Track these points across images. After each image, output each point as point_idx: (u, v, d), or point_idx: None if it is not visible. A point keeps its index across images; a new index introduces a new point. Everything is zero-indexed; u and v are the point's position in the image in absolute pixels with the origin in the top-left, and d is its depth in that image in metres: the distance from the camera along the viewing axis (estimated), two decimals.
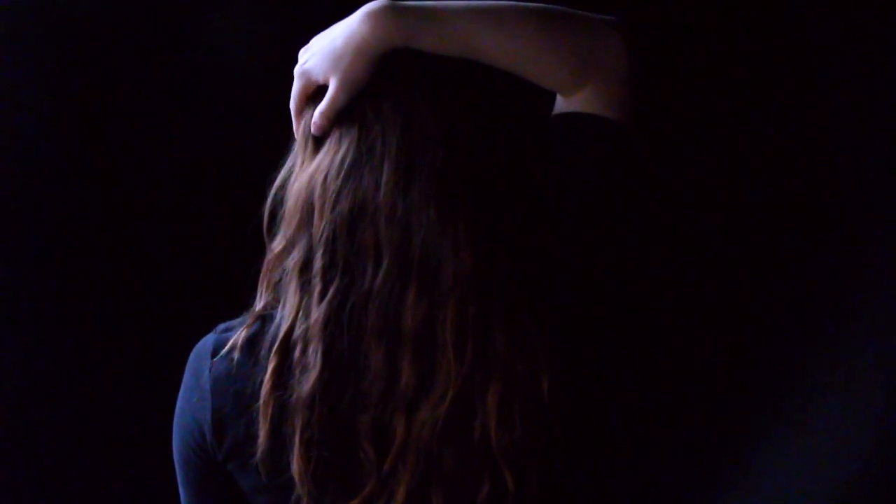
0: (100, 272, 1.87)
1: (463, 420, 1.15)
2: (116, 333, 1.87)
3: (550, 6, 1.24)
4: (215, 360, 1.22)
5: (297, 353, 1.17)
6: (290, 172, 1.25)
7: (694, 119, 1.85)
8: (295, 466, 1.16)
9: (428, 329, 1.14)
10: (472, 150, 1.18)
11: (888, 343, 1.80)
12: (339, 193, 1.17)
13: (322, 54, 1.21)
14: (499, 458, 1.15)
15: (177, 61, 1.86)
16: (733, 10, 1.83)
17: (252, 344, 1.21)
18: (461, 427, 1.15)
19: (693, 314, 1.87)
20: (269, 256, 1.23)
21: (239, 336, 1.21)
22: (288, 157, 1.27)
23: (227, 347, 1.21)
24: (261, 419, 1.17)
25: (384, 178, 1.15)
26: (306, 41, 1.27)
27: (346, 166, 1.17)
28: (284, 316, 1.19)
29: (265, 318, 1.22)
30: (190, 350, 1.26)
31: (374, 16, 1.18)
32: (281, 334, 1.18)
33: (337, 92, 1.19)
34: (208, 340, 1.25)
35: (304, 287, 1.18)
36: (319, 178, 1.19)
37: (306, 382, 1.16)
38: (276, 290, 1.23)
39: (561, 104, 1.26)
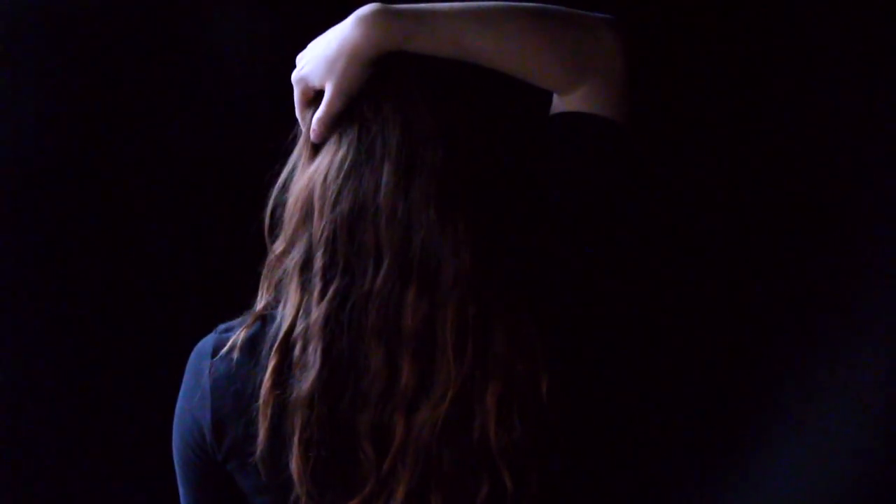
0: (100, 272, 1.87)
1: (462, 420, 1.15)
2: (117, 334, 1.87)
3: (544, 5, 1.24)
4: (215, 360, 1.22)
5: (296, 352, 1.17)
6: (292, 173, 1.25)
7: (692, 118, 1.85)
8: (294, 466, 1.16)
9: (428, 329, 1.14)
10: (471, 150, 1.18)
11: (888, 343, 1.80)
12: (338, 193, 1.17)
13: (316, 60, 1.21)
14: (498, 459, 1.15)
15: (177, 61, 1.86)
16: (731, 8, 1.83)
17: (252, 344, 1.21)
18: (460, 427, 1.15)
19: (693, 314, 1.87)
20: (271, 257, 1.24)
21: (239, 336, 1.21)
22: (289, 157, 1.28)
23: (226, 347, 1.21)
24: (260, 418, 1.17)
25: (384, 179, 1.15)
26: (305, 42, 1.27)
27: (345, 166, 1.18)
28: (285, 315, 1.19)
29: (265, 319, 1.22)
30: (190, 350, 1.27)
31: (366, 20, 1.18)
32: (281, 333, 1.18)
33: (333, 97, 1.20)
34: (208, 341, 1.25)
35: (305, 286, 1.18)
36: (319, 179, 1.19)
37: (306, 381, 1.16)
38: (277, 290, 1.23)
39: (558, 104, 1.26)
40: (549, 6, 1.24)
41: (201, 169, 1.87)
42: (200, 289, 1.84)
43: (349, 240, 1.16)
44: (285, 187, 1.25)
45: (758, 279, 1.85)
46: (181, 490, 1.30)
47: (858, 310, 1.81)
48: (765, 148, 1.83)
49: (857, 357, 1.81)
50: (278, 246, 1.22)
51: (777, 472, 1.83)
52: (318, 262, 1.17)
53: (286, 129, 1.29)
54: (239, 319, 1.25)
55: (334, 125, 1.21)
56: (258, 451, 1.18)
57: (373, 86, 1.19)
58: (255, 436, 1.18)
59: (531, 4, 1.23)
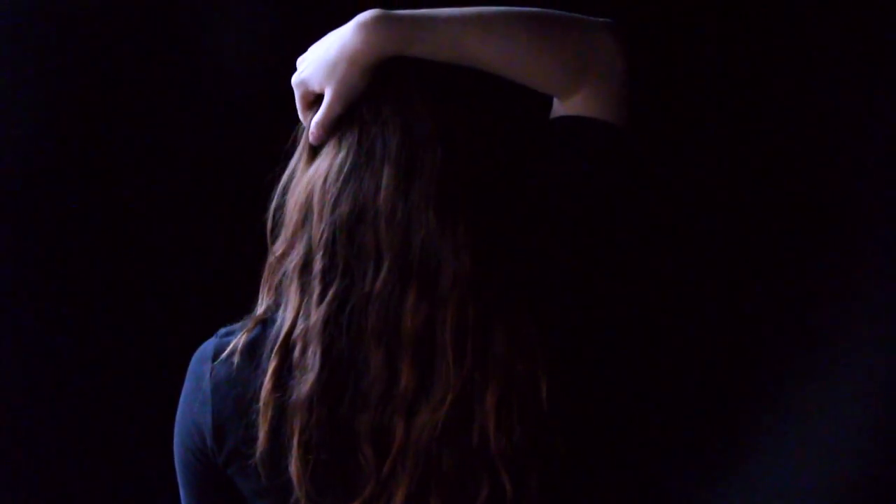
0: (100, 274, 1.87)
1: (462, 423, 1.15)
2: (117, 337, 1.87)
3: (543, 10, 1.24)
4: (216, 364, 1.22)
5: (296, 354, 1.17)
6: (292, 176, 1.25)
7: (691, 120, 1.85)
8: (293, 468, 1.16)
9: (427, 331, 1.14)
10: (471, 153, 1.18)
11: (888, 343, 1.80)
12: (338, 196, 1.17)
13: (316, 64, 1.22)
14: (497, 461, 1.15)
15: (177, 61, 1.86)
16: (730, 11, 1.83)
17: (253, 347, 1.21)
18: (460, 430, 1.15)
19: (693, 315, 1.87)
20: (271, 259, 1.24)
21: (239, 340, 1.21)
22: (290, 160, 1.28)
23: (227, 351, 1.21)
24: (260, 420, 1.17)
25: (384, 181, 1.15)
26: (306, 42, 1.27)
27: (345, 169, 1.18)
28: (285, 318, 1.19)
29: (266, 322, 1.22)
30: (191, 354, 1.27)
31: (366, 26, 1.18)
32: (281, 336, 1.18)
33: (332, 102, 1.20)
34: (209, 345, 1.25)
35: (304, 288, 1.19)
36: (318, 182, 1.19)
37: (305, 384, 1.16)
38: (278, 292, 1.23)
39: (558, 107, 1.26)
40: (548, 10, 1.24)
41: (201, 170, 1.87)
42: (201, 292, 1.84)
43: (349, 242, 1.16)
44: (286, 189, 1.25)
45: (758, 280, 1.85)
46: (182, 493, 1.30)
47: (858, 310, 1.81)
48: (764, 150, 1.83)
49: (857, 357, 1.81)
50: (278, 248, 1.22)
51: (777, 474, 1.83)
52: (318, 265, 1.17)
53: (286, 131, 1.29)
54: (240, 323, 1.25)
55: (334, 128, 1.21)
56: (258, 453, 1.18)
57: (372, 89, 1.20)
58: (255, 438, 1.18)
59: (530, 9, 1.23)
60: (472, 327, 1.15)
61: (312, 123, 1.22)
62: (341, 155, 1.19)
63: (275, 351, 1.18)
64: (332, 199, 1.17)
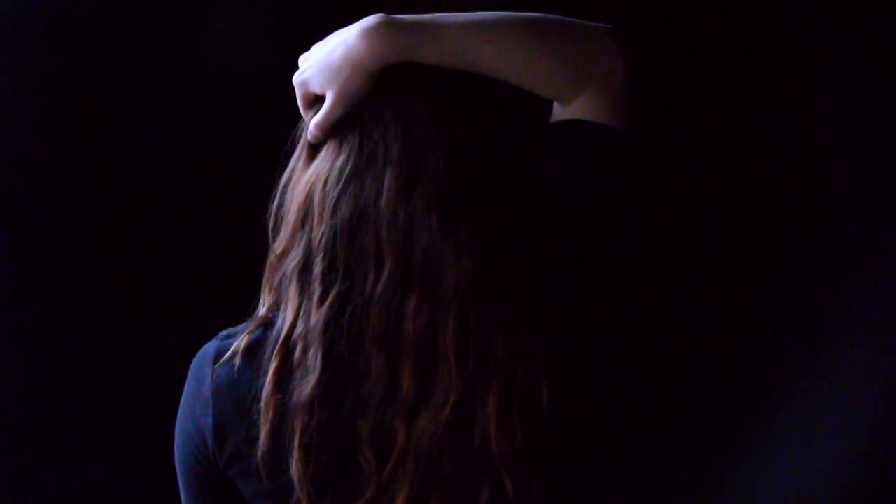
0: (100, 274, 1.86)
1: (463, 426, 1.15)
2: (117, 339, 1.87)
3: (545, 15, 1.24)
4: (217, 366, 1.22)
5: (297, 356, 1.17)
6: (292, 174, 1.25)
7: (691, 123, 1.85)
8: (294, 469, 1.16)
9: (429, 335, 1.14)
10: (473, 157, 1.18)
11: (888, 343, 1.80)
12: (338, 199, 1.17)
13: (318, 66, 1.21)
14: (499, 464, 1.15)
15: (177, 61, 1.86)
16: (730, 15, 1.83)
17: (254, 349, 1.21)
18: (462, 433, 1.15)
19: (693, 317, 1.87)
20: (272, 257, 1.24)
21: (241, 342, 1.21)
22: (290, 159, 1.28)
23: (228, 353, 1.21)
24: (262, 420, 1.17)
25: (386, 185, 1.15)
26: (305, 42, 1.27)
27: (346, 172, 1.18)
28: (285, 318, 1.19)
29: (267, 324, 1.22)
30: (191, 356, 1.27)
31: (371, 33, 1.18)
32: (282, 337, 1.18)
33: (333, 105, 1.20)
34: (210, 347, 1.25)
35: (304, 290, 1.18)
36: (319, 184, 1.19)
37: (306, 386, 1.16)
38: (278, 292, 1.23)
39: (558, 111, 1.26)
40: (550, 16, 1.24)
41: (201, 170, 1.86)
42: (201, 293, 1.84)
43: (349, 245, 1.16)
44: (286, 187, 1.25)
45: (758, 281, 1.85)
46: (182, 495, 1.29)
47: (858, 310, 1.81)
48: (765, 153, 1.83)
49: (857, 357, 1.81)
50: (278, 246, 1.22)
51: (777, 474, 1.83)
52: (318, 267, 1.17)
53: (286, 131, 1.29)
54: (241, 326, 1.25)
55: (334, 130, 1.21)
56: (259, 454, 1.17)
57: (374, 93, 1.19)
58: (256, 439, 1.18)
59: (533, 15, 1.23)
60: (473, 330, 1.15)
61: (312, 124, 1.22)
62: (342, 157, 1.19)
63: (275, 352, 1.18)
64: (333, 202, 1.17)
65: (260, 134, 1.54)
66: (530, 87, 1.24)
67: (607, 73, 1.24)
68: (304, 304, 1.18)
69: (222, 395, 1.21)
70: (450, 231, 1.14)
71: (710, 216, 1.86)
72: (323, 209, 1.17)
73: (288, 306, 1.20)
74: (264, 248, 1.26)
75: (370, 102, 1.19)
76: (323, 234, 1.17)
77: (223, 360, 1.21)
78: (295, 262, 1.19)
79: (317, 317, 1.16)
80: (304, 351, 1.17)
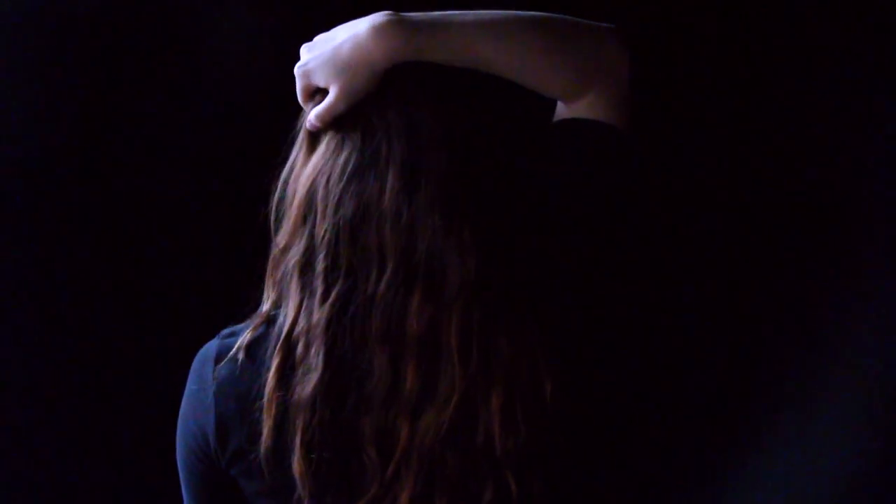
0: (101, 274, 1.86)
1: (466, 424, 1.15)
2: (118, 338, 1.87)
3: (552, 15, 1.24)
4: (219, 365, 1.22)
5: (299, 353, 1.17)
6: (293, 167, 1.25)
7: (695, 123, 1.85)
8: (296, 467, 1.16)
9: (432, 333, 1.14)
10: (476, 156, 1.18)
11: (888, 343, 1.80)
12: (341, 196, 1.17)
13: (325, 59, 1.21)
14: (502, 462, 1.15)
15: (177, 61, 1.86)
16: (734, 16, 1.83)
17: (256, 346, 1.21)
18: (465, 431, 1.15)
19: (695, 317, 1.88)
20: (274, 252, 1.24)
21: (244, 339, 1.21)
22: (290, 153, 1.27)
23: (231, 351, 1.21)
24: (264, 416, 1.17)
25: (389, 184, 1.15)
26: (306, 40, 1.27)
27: (349, 170, 1.18)
28: (286, 315, 1.19)
29: (269, 321, 1.22)
30: (192, 355, 1.26)
31: (382, 31, 1.17)
32: (283, 333, 1.18)
33: (337, 100, 1.20)
34: (211, 346, 1.25)
35: (306, 287, 1.18)
36: (322, 180, 1.19)
37: (308, 384, 1.16)
38: (280, 287, 1.23)
39: (562, 110, 1.26)
40: (557, 16, 1.24)
41: (201, 169, 1.86)
42: (202, 292, 1.84)
43: (352, 243, 1.16)
44: (286, 182, 1.25)
45: (759, 281, 1.85)
46: (185, 495, 1.30)
47: (858, 310, 1.82)
48: (768, 154, 1.83)
49: (857, 357, 1.81)
50: (280, 241, 1.22)
51: (777, 474, 1.83)
52: (320, 265, 1.17)
53: (286, 131, 1.29)
54: (244, 324, 1.25)
55: (334, 123, 1.21)
56: (262, 450, 1.17)
57: (377, 90, 1.19)
58: (258, 435, 1.18)
59: (539, 14, 1.23)
60: (476, 329, 1.15)
61: (313, 114, 1.21)
62: (344, 154, 1.19)
63: (277, 348, 1.18)
64: (336, 200, 1.17)
65: (260, 133, 1.54)
66: (536, 86, 1.24)
67: (612, 74, 1.24)
68: (305, 301, 1.18)
69: (224, 394, 1.21)
70: (453, 230, 1.14)
71: (711, 216, 1.86)
72: (326, 206, 1.17)
73: (289, 303, 1.20)
74: (265, 248, 1.26)
75: (373, 99, 1.19)
76: (325, 231, 1.17)
77: (225, 358, 1.21)
78: (296, 258, 1.19)
79: (319, 314, 1.16)
80: (306, 348, 1.17)
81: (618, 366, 1.82)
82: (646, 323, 1.86)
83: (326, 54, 1.21)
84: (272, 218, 1.25)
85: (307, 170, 1.21)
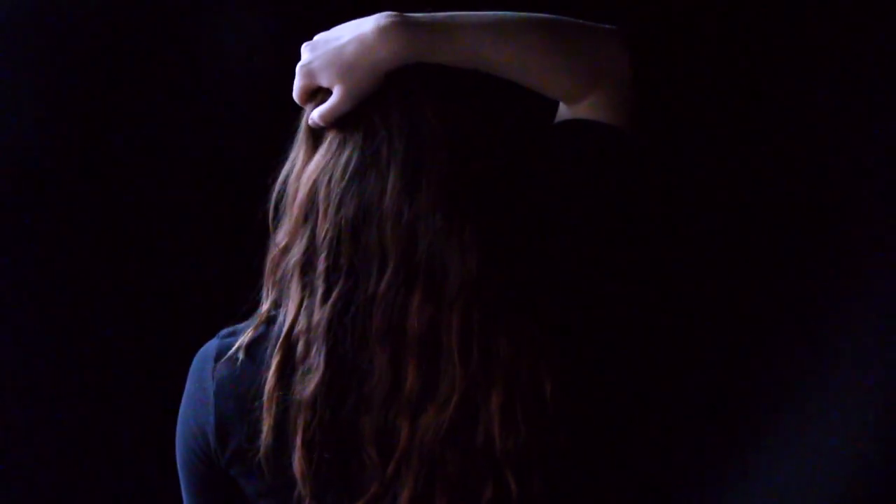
0: (101, 273, 1.86)
1: (467, 424, 1.15)
2: (119, 338, 1.87)
3: (556, 17, 1.24)
4: (218, 364, 1.22)
5: (299, 352, 1.17)
6: (293, 166, 1.25)
7: (696, 124, 1.85)
8: (296, 466, 1.17)
9: (432, 333, 1.15)
10: (477, 156, 1.18)
11: (888, 343, 1.80)
12: (342, 196, 1.17)
13: (328, 59, 1.21)
14: (502, 462, 1.16)
15: (177, 61, 1.86)
16: (737, 18, 1.83)
17: (256, 346, 1.21)
18: (465, 431, 1.16)
19: (696, 317, 1.87)
20: (274, 252, 1.24)
21: (244, 339, 1.22)
22: (290, 151, 1.27)
23: (231, 351, 1.22)
24: (265, 415, 1.17)
25: (390, 184, 1.15)
26: (306, 40, 1.27)
27: (350, 169, 1.18)
28: (287, 314, 1.20)
29: (269, 321, 1.22)
30: (192, 355, 1.27)
31: (388, 33, 1.17)
32: (283, 332, 1.19)
33: (341, 100, 1.19)
34: (211, 346, 1.25)
35: (306, 286, 1.19)
36: (324, 180, 1.19)
37: (309, 383, 1.16)
38: (280, 287, 1.23)
39: (564, 111, 1.27)
40: (559, 17, 1.25)
41: (201, 169, 1.86)
42: (201, 292, 1.84)
43: (353, 243, 1.16)
44: (287, 181, 1.25)
45: (759, 282, 1.85)
46: (184, 496, 1.30)
47: (858, 310, 1.81)
48: (769, 155, 1.83)
49: (858, 357, 1.81)
50: (280, 240, 1.22)
51: (777, 474, 1.83)
52: (321, 265, 1.17)
53: (287, 131, 1.29)
54: (243, 324, 1.25)
55: (337, 123, 1.21)
56: (262, 449, 1.18)
57: (380, 90, 1.19)
58: (258, 434, 1.18)
59: (542, 16, 1.24)
60: (477, 329, 1.15)
61: (316, 114, 1.21)
62: (346, 154, 1.19)
63: (277, 347, 1.18)
64: (337, 199, 1.17)
65: (260, 133, 1.54)
66: (539, 87, 1.24)
67: (615, 75, 1.25)
68: (306, 301, 1.18)
69: (224, 394, 1.21)
70: (454, 230, 1.14)
71: (712, 216, 1.86)
72: (327, 206, 1.17)
73: (290, 302, 1.20)
74: (265, 248, 1.26)
75: (375, 99, 1.19)
76: (327, 231, 1.17)
77: (225, 357, 1.21)
78: (297, 257, 1.19)
79: (320, 314, 1.17)
80: (307, 348, 1.17)
81: (618, 366, 1.82)
82: (646, 323, 1.86)
83: (330, 54, 1.21)
84: (270, 215, 1.25)
85: (309, 169, 1.21)
